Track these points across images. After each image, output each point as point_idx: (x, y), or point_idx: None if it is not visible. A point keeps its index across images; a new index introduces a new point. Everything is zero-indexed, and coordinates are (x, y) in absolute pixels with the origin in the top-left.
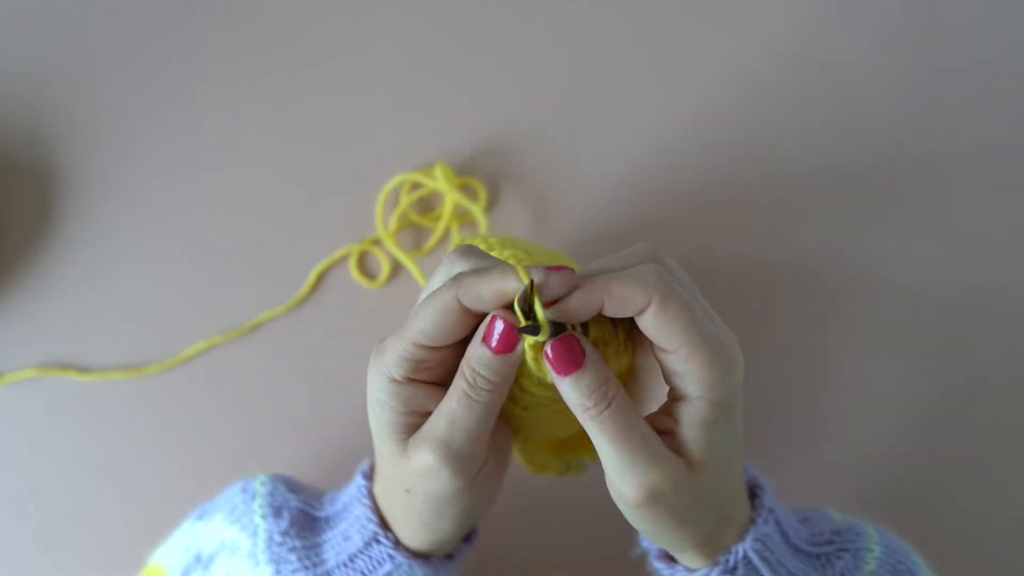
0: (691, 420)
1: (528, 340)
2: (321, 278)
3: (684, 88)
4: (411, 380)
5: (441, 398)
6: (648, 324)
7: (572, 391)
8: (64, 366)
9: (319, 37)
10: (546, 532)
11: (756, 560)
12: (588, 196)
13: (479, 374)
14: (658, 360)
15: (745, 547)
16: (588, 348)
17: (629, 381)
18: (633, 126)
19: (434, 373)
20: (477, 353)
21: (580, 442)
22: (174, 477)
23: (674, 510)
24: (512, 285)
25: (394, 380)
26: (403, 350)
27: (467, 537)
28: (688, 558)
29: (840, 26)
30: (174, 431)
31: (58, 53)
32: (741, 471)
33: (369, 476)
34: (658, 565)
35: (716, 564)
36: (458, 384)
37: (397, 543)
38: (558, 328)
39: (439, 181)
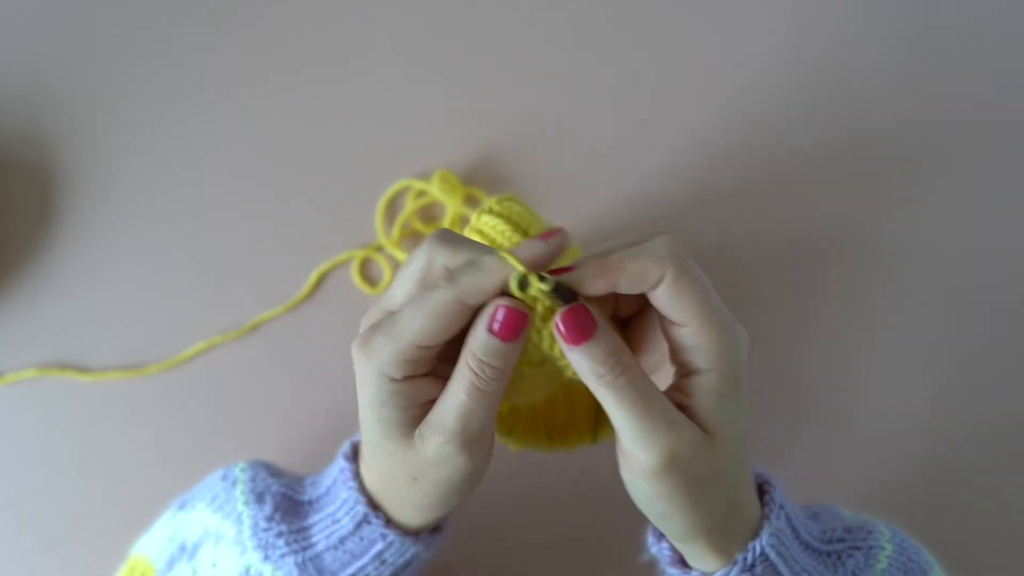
0: (704, 392)
1: (538, 314)
2: (322, 279)
3: (687, 90)
4: (409, 377)
5: (436, 386)
6: (661, 297)
7: (585, 360)
8: (64, 366)
9: (325, 40)
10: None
11: (774, 556)
12: (593, 204)
13: (488, 364)
14: (667, 337)
15: (762, 543)
16: (598, 317)
17: None
18: (637, 132)
19: (429, 365)
20: (484, 343)
21: (563, 430)
22: (174, 477)
23: (691, 479)
24: (514, 274)
25: (393, 379)
26: (401, 352)
27: None
28: (698, 553)
29: (839, 5)
30: (174, 431)
31: (58, 53)
32: (750, 455)
33: (351, 458)
34: (671, 571)
35: (734, 563)
36: (464, 376)
37: (388, 522)
38: (567, 299)
39: (440, 189)
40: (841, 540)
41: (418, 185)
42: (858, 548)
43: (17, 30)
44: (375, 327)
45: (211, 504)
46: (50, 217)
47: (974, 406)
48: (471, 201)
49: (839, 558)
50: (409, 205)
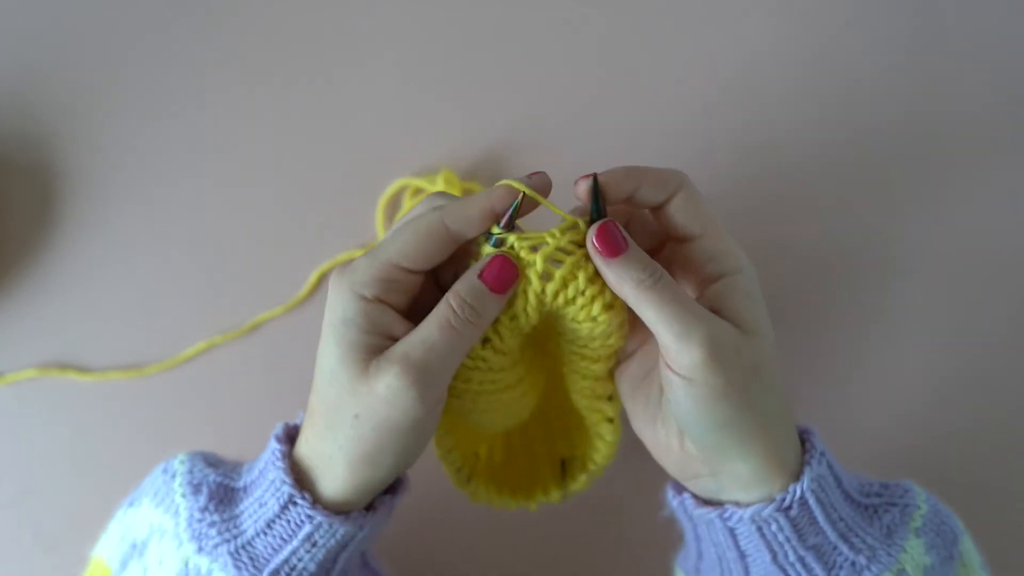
0: (735, 292)
1: (536, 273)
2: (322, 279)
3: (685, 87)
4: (380, 300)
5: (402, 325)
6: (677, 208)
7: (625, 267)
8: (64, 366)
9: (324, 41)
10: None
11: (812, 502)
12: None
13: (468, 304)
14: (685, 257)
15: (802, 487)
16: (627, 236)
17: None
18: (636, 127)
19: (401, 298)
20: (470, 284)
21: (529, 481)
22: None
23: (738, 371)
24: (500, 201)
25: (363, 298)
26: (378, 270)
27: (392, 489)
28: (757, 472)
29: (833, 9)
30: (174, 431)
31: (58, 54)
32: (783, 376)
33: (283, 439)
34: (699, 511)
35: (771, 501)
36: (441, 312)
37: (315, 503)
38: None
39: (440, 185)
40: (879, 495)
41: (416, 183)
42: (894, 504)
43: (17, 30)
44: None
45: (154, 499)
46: (50, 217)
47: (977, 403)
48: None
49: (875, 512)
50: (407, 203)
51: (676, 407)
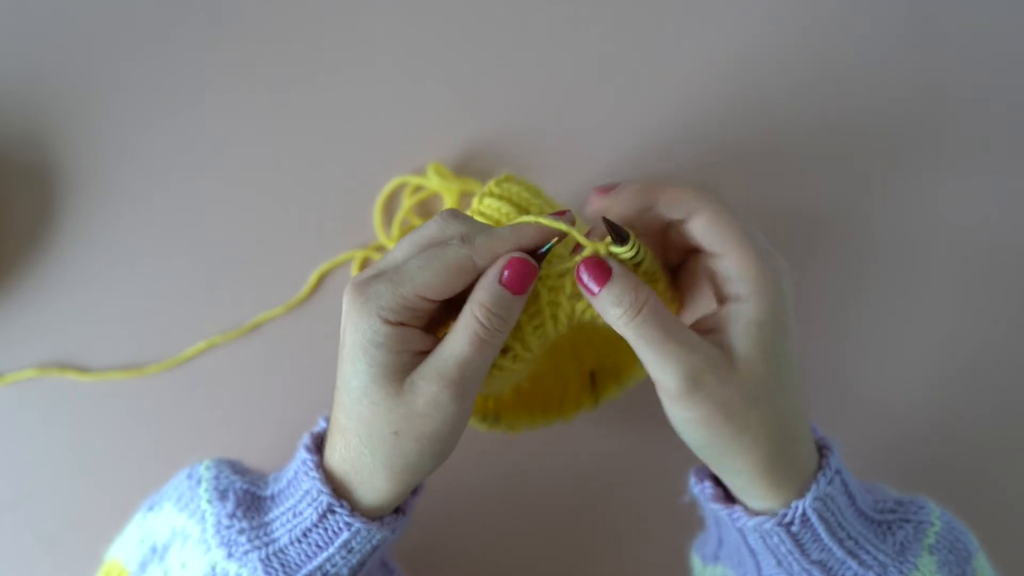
0: (739, 318)
1: (565, 288)
2: (322, 279)
3: (679, 82)
4: (403, 323)
5: (426, 339)
6: (698, 227)
7: (605, 302)
8: (64, 366)
9: (323, 41)
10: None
11: (815, 519)
12: (586, 193)
13: (495, 315)
14: (707, 270)
15: (805, 504)
16: (613, 264)
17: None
18: (629, 121)
19: (422, 321)
20: (494, 293)
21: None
22: None
23: (722, 402)
24: (529, 241)
25: (388, 322)
26: (403, 299)
27: (414, 490)
28: (748, 486)
29: (832, 6)
30: (174, 431)
31: (59, 54)
32: (801, 390)
33: (313, 449)
34: (713, 506)
35: (773, 515)
36: (469, 326)
37: (353, 510)
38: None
39: (436, 181)
40: (892, 511)
41: (414, 180)
42: (908, 520)
43: (17, 30)
44: (374, 277)
45: (177, 503)
46: (50, 217)
47: (978, 397)
48: (466, 192)
49: (889, 528)
50: (406, 201)
51: (670, 420)
